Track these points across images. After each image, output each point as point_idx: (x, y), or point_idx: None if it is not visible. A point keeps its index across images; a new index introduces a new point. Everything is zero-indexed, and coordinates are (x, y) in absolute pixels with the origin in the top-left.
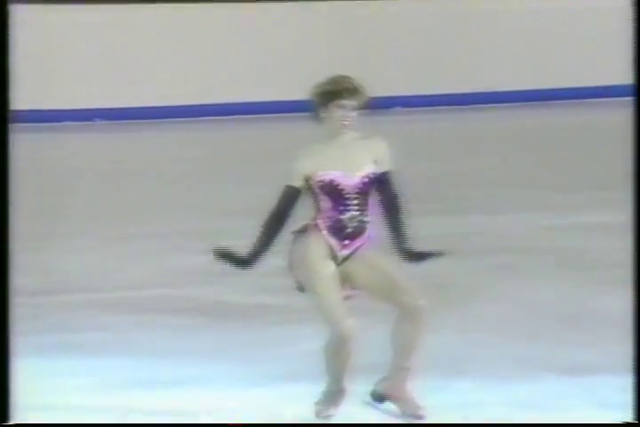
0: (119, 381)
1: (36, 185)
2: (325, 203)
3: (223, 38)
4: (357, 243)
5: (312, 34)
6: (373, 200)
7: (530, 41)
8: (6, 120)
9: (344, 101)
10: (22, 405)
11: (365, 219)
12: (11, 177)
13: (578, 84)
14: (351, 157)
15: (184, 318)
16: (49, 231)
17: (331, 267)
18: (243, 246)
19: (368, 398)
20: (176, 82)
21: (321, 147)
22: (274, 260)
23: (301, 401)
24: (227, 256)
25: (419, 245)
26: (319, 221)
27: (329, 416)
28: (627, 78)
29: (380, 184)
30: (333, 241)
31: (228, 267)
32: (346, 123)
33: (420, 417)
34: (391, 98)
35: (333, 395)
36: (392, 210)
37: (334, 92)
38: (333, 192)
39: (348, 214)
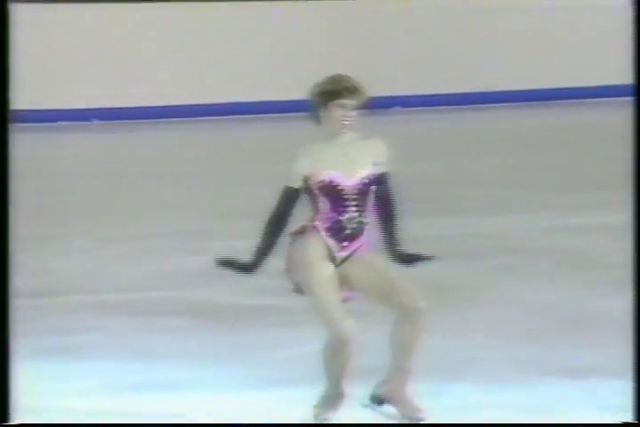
0: (117, 384)
1: (34, 186)
2: (324, 204)
3: (222, 38)
4: (356, 244)
5: (311, 34)
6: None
7: (530, 41)
8: (6, 120)
9: (344, 101)
10: (19, 408)
11: (364, 220)
12: (10, 177)
13: (578, 84)
14: (351, 157)
15: (182, 320)
16: (46, 232)
17: (329, 268)
18: (242, 248)
19: (367, 402)
20: (175, 82)
21: (320, 147)
22: (272, 261)
23: (300, 404)
24: (229, 264)
25: (418, 246)
26: (317, 223)
27: (327, 420)
28: (627, 78)
29: (377, 185)
30: (332, 242)
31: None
32: (346, 122)
33: (419, 420)
34: (390, 98)
35: (332, 398)
36: (387, 212)
37: (334, 91)
38: (332, 193)
39: (347, 215)
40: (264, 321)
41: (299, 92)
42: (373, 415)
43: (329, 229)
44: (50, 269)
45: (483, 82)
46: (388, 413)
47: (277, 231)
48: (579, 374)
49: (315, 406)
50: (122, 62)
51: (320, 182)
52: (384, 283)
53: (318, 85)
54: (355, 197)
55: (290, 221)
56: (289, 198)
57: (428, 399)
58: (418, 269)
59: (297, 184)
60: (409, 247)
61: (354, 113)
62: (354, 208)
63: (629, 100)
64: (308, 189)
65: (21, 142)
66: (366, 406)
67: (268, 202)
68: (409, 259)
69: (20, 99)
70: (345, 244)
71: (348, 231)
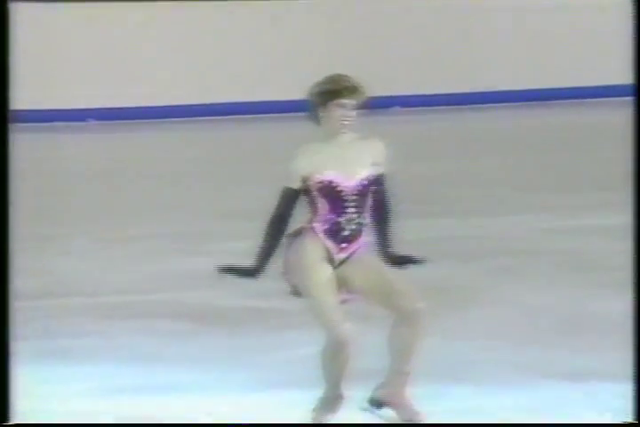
0: (116, 387)
1: (32, 186)
2: (323, 205)
3: (221, 37)
4: (354, 246)
5: (311, 34)
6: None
7: (529, 41)
8: (6, 120)
9: (344, 100)
10: (17, 410)
11: (363, 221)
12: (10, 178)
13: (578, 83)
14: (351, 158)
15: (182, 322)
16: (44, 233)
17: (327, 270)
18: (241, 249)
19: (366, 405)
20: (175, 82)
21: (319, 147)
22: (272, 264)
23: (298, 408)
24: (232, 271)
25: (417, 248)
26: (315, 224)
27: (326, 422)
28: (626, 78)
29: (375, 186)
30: (330, 244)
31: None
32: (346, 122)
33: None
34: (390, 97)
35: (330, 401)
36: (381, 213)
37: (334, 91)
38: (332, 194)
39: (346, 217)
40: (263, 323)
41: (298, 92)
42: (372, 419)
43: (328, 231)
44: (48, 271)
45: (482, 82)
46: (387, 416)
47: (279, 233)
48: (579, 377)
49: (313, 410)
50: (121, 62)
51: (319, 183)
52: (383, 285)
53: (317, 85)
54: (354, 198)
55: (290, 222)
56: (289, 199)
57: (428, 402)
58: (417, 271)
59: (296, 185)
60: (407, 249)
61: (354, 113)
62: (353, 209)
63: (629, 100)
64: (306, 190)
65: (20, 142)
66: (365, 409)
67: (267, 203)
68: (400, 261)
69: (18, 99)
70: (344, 245)
71: (346, 233)
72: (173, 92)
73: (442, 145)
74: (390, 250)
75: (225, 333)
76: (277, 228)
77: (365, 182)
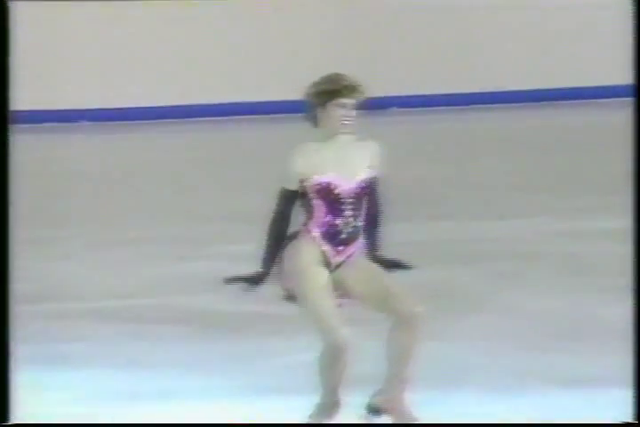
0: (109, 392)
1: (28, 188)
2: (319, 207)
3: (221, 37)
4: (351, 249)
5: (310, 34)
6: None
7: (529, 41)
8: (6, 121)
9: (344, 100)
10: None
11: (359, 224)
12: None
13: (578, 84)
14: (349, 160)
15: (177, 327)
16: (41, 236)
17: (324, 274)
18: (238, 252)
19: (363, 411)
20: (174, 82)
21: (317, 148)
22: None
23: (294, 414)
24: (237, 279)
25: (415, 251)
26: (311, 227)
27: None
28: (626, 79)
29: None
30: (327, 247)
31: (220, 275)
32: (347, 122)
33: None
34: (388, 98)
35: (327, 408)
36: (372, 216)
37: (333, 90)
38: (329, 196)
39: (343, 220)
40: (260, 329)
41: (297, 93)
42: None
43: (324, 234)
44: (42, 275)
45: (481, 82)
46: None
47: (280, 235)
48: (579, 382)
49: (310, 416)
50: (120, 62)
51: (317, 185)
52: (380, 288)
53: (315, 85)
54: (351, 200)
55: (290, 223)
56: (288, 199)
57: (427, 409)
58: (416, 275)
59: (294, 186)
60: (406, 252)
61: (354, 112)
62: (350, 212)
63: (629, 100)
64: (302, 192)
65: (17, 143)
66: (363, 416)
67: (265, 205)
68: (389, 264)
69: (18, 99)
70: (340, 248)
71: (343, 236)
72: (173, 93)
73: (441, 146)
74: (379, 253)
75: (223, 338)
76: (279, 229)
77: (363, 185)
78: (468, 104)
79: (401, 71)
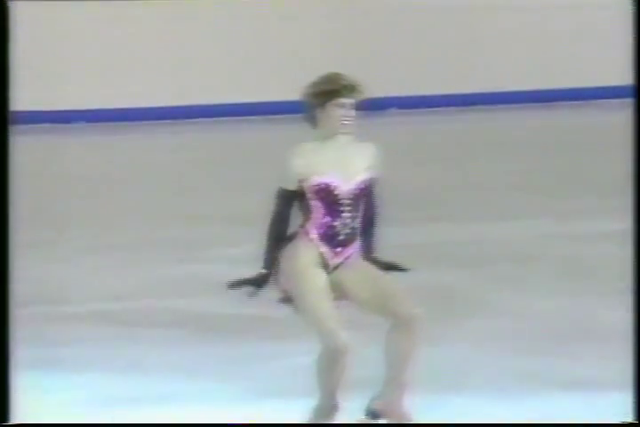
0: (105, 396)
1: (25, 190)
2: (317, 208)
3: (221, 37)
4: (349, 251)
5: (309, 34)
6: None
7: (529, 41)
8: (6, 121)
9: (344, 100)
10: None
11: (357, 226)
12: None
13: (578, 84)
14: (348, 160)
15: (173, 331)
16: (36, 238)
17: (322, 276)
18: (235, 255)
19: (362, 415)
20: (174, 82)
21: (316, 148)
22: None
23: (292, 418)
24: (241, 282)
25: (415, 253)
26: (309, 228)
27: None
28: (626, 79)
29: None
30: (325, 249)
31: (216, 278)
32: (347, 122)
33: None
34: (387, 99)
35: (326, 411)
36: (368, 217)
37: (333, 90)
38: (328, 197)
39: (341, 221)
40: (255, 332)
41: (297, 93)
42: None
43: (322, 235)
44: (35, 278)
45: (481, 82)
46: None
47: (280, 236)
48: (579, 385)
49: (308, 419)
50: (119, 62)
51: (316, 186)
52: (378, 290)
53: (314, 85)
54: (349, 201)
55: (289, 224)
56: (286, 200)
57: (426, 413)
58: (416, 277)
59: (293, 186)
60: (405, 254)
61: (353, 112)
62: (348, 213)
63: (629, 101)
64: (300, 193)
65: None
66: (361, 420)
67: (265, 207)
68: (384, 267)
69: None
70: (338, 250)
71: (341, 237)
72: (172, 93)
73: (440, 147)
74: (374, 255)
75: (221, 341)
76: (278, 229)
77: (362, 186)
78: (467, 105)
79: (401, 71)
